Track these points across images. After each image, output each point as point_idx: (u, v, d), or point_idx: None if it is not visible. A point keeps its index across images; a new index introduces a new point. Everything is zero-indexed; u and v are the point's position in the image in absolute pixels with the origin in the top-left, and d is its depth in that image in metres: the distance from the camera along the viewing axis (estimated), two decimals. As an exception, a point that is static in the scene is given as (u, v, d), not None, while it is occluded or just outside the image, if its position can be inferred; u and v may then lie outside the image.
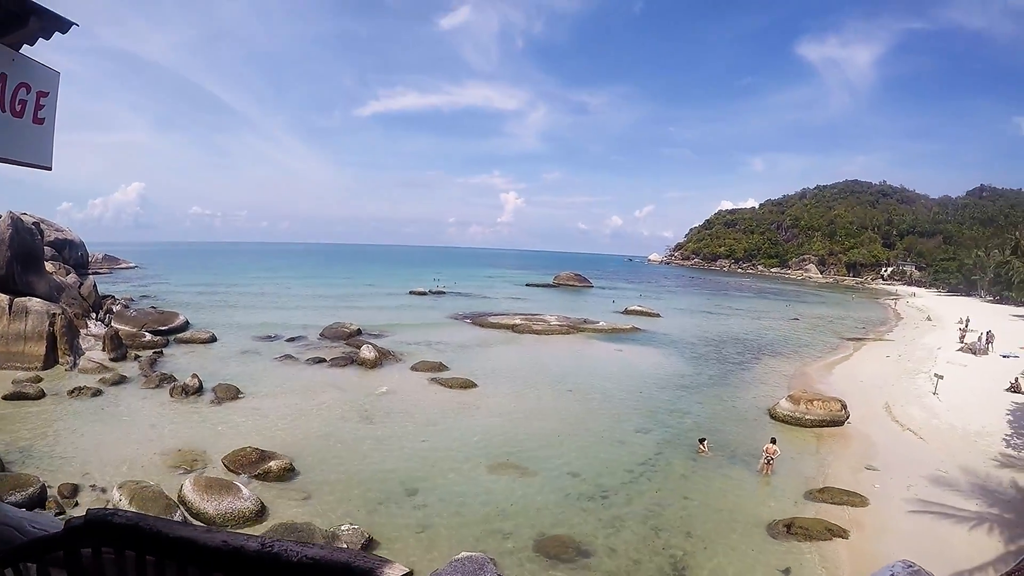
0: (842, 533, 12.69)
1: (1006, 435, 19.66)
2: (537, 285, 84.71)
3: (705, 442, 17.62)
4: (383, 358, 27.98)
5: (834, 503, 14.26)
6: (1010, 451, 18.16)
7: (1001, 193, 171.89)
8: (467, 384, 24.13)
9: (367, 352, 27.75)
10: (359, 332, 34.89)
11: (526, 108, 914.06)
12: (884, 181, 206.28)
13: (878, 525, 13.18)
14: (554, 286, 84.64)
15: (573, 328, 40.57)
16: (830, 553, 12.03)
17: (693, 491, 14.89)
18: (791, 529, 12.76)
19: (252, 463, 14.50)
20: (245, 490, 12.73)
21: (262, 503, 12.60)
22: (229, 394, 21.03)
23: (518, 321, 41.47)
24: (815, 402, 21.46)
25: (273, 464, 14.43)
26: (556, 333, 39.14)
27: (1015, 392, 25.40)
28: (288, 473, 14.45)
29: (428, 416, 20.19)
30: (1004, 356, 34.58)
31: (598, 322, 43.01)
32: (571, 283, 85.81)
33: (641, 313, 52.31)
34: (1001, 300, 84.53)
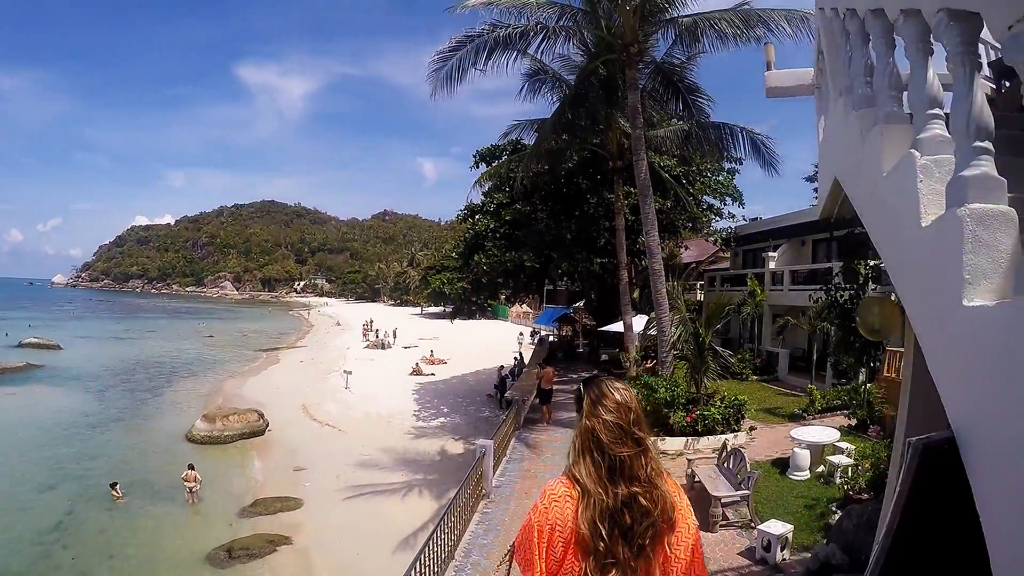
0: (285, 541, 13.17)
1: (415, 411, 24.72)
2: None
3: (117, 486, 15.80)
4: None
5: (270, 513, 14.73)
6: (421, 423, 22.84)
7: (401, 217, 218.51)
8: None
9: None
10: None
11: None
12: (299, 203, 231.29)
13: (318, 521, 14.21)
14: (-82, 321, 62.50)
15: (-58, 377, 30.62)
16: (279, 564, 12.32)
17: (118, 545, 13.20)
18: (233, 554, 12.52)
19: None
20: None
21: None
22: None
23: None
24: (231, 417, 21.87)
25: None
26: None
27: (417, 375, 32.64)
28: None
29: None
30: (406, 347, 44.12)
31: (-19, 363, 34.34)
32: (-55, 316, 65.42)
33: (38, 346, 45.65)
34: (401, 303, 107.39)
